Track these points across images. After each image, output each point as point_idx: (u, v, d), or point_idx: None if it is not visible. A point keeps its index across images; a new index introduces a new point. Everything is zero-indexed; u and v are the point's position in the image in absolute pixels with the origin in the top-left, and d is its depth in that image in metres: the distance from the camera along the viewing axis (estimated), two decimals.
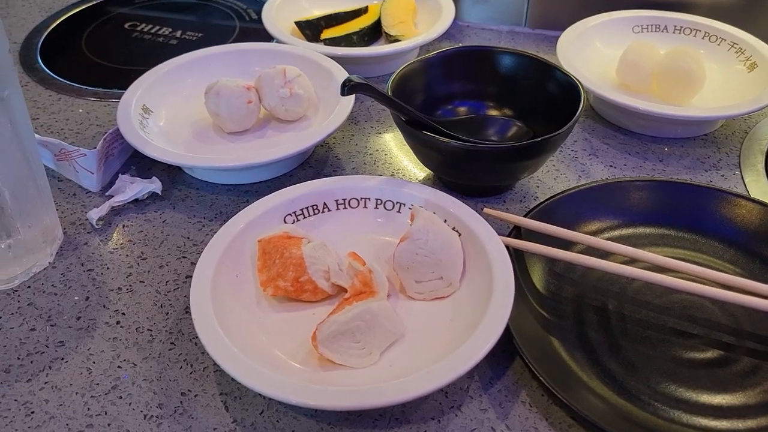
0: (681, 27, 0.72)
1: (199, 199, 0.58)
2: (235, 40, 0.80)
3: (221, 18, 0.84)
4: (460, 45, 0.58)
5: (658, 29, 0.72)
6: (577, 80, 0.56)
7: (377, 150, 0.63)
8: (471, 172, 0.53)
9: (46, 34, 0.81)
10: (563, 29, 0.77)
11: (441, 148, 0.51)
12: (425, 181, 0.59)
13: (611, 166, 0.61)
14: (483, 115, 0.60)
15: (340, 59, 0.67)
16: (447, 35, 0.79)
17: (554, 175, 0.60)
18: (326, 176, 0.58)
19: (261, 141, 0.62)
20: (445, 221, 0.48)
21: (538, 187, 0.59)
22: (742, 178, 0.59)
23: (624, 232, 0.52)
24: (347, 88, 0.47)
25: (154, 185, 0.57)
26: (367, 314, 0.42)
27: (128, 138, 0.57)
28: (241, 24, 0.83)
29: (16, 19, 0.85)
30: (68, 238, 0.54)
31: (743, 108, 0.59)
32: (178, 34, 0.81)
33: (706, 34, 0.71)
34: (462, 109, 0.61)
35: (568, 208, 0.52)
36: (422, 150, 0.54)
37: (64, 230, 0.54)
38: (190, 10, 0.87)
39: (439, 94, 0.60)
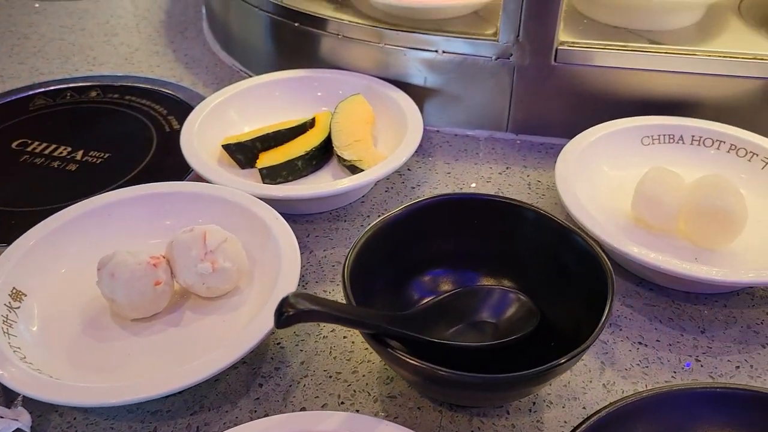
0: (700, 138, 0.59)
1: (89, 430, 0.41)
2: (152, 160, 0.64)
3: (135, 129, 0.68)
4: (435, 195, 0.44)
5: (672, 140, 0.59)
6: (601, 255, 0.41)
7: (334, 332, 0.47)
8: (460, 399, 0.38)
9: None
10: (551, 135, 0.64)
11: (417, 372, 0.36)
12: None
13: (640, 343, 0.47)
14: (474, 288, 0.45)
15: (280, 203, 0.52)
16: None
17: None
18: (265, 378, 0.43)
19: (174, 331, 0.46)
20: None
21: (550, 384, 0.44)
22: None
23: None
24: (284, 318, 0.32)
25: (21, 420, 0.40)
26: None
27: None
28: (159, 137, 0.67)
29: None
30: None
31: None
32: (79, 155, 0.65)
33: (732, 147, 0.58)
34: (445, 280, 0.46)
35: None
36: (395, 369, 0.39)
37: None
38: (96, 119, 0.70)
39: (415, 261, 0.45)
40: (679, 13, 0.68)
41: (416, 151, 0.64)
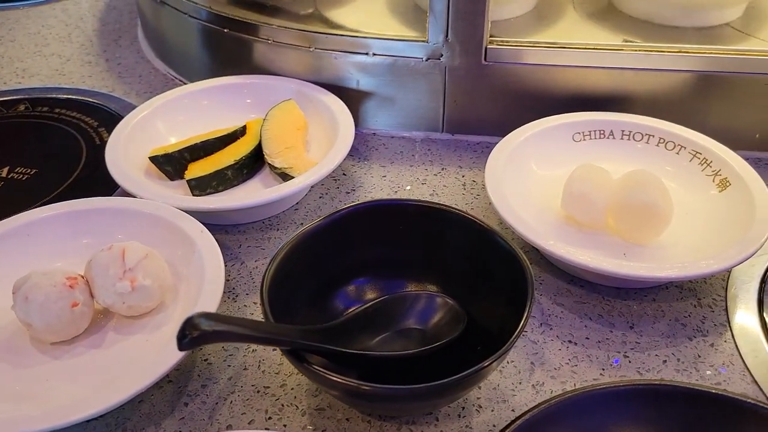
0: (630, 132, 0.59)
1: None
2: (81, 175, 0.62)
3: (64, 143, 0.66)
4: (357, 203, 0.42)
5: (602, 135, 0.59)
6: (521, 256, 0.41)
7: (266, 350, 0.46)
8: (387, 410, 0.38)
9: None
10: (487, 134, 0.64)
11: (336, 387, 0.36)
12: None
13: (570, 341, 0.47)
14: (400, 294, 0.45)
15: (210, 214, 0.51)
16: (350, 149, 0.64)
17: (499, 364, 0.45)
18: (191, 397, 0.42)
19: (96, 353, 0.44)
20: None
21: (479, 388, 0.44)
22: (737, 348, 0.46)
23: None
24: (186, 340, 0.31)
25: None
26: None
27: None
28: (89, 151, 0.65)
29: None
30: None
31: (727, 261, 0.45)
32: (5, 172, 0.63)
33: (662, 140, 0.58)
34: (371, 289, 0.45)
35: None
36: (317, 384, 0.38)
37: None
38: (24, 134, 0.68)
39: (339, 272, 0.45)
40: None
41: (352, 155, 0.64)
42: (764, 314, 0.48)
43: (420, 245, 0.45)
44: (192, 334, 0.31)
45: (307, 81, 0.65)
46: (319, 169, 0.54)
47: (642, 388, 0.39)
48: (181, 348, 0.31)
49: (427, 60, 0.62)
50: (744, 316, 0.48)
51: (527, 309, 0.38)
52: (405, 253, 0.45)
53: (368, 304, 0.43)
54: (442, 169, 0.62)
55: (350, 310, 0.43)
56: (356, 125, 0.66)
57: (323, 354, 0.39)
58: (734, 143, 0.60)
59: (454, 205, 0.45)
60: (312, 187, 0.60)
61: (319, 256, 0.43)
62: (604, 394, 0.39)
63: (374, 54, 0.63)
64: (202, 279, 0.45)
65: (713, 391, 0.38)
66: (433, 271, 0.45)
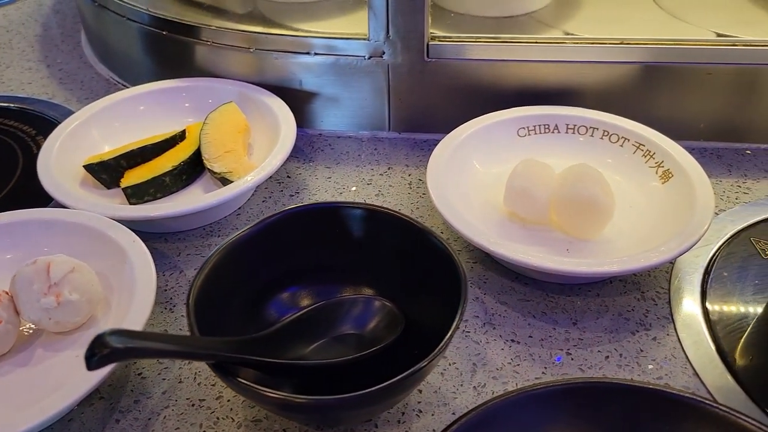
0: (575, 126, 0.58)
1: None
2: (16, 186, 0.60)
3: None
4: (288, 208, 0.41)
5: (547, 130, 0.59)
6: (454, 255, 0.40)
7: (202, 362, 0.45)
8: (322, 420, 0.37)
9: None
10: (433, 131, 0.63)
11: (265, 400, 0.34)
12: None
13: (513, 340, 0.46)
14: (336, 300, 0.44)
15: (148, 223, 0.49)
16: (295, 151, 0.63)
17: (440, 367, 0.44)
18: (123, 413, 0.41)
19: (23, 371, 0.43)
20: None
21: (420, 391, 0.43)
22: (679, 341, 0.45)
23: None
24: (95, 359, 0.29)
25: None
26: None
27: None
28: (25, 161, 0.63)
29: None
30: None
31: (667, 253, 0.45)
32: None
33: (606, 133, 0.58)
34: (306, 295, 0.44)
35: None
36: (245, 398, 0.37)
37: None
38: None
39: (272, 279, 0.43)
40: None
41: (297, 157, 0.63)
42: (707, 305, 0.47)
43: (356, 248, 0.44)
44: (101, 352, 0.29)
45: (249, 83, 0.63)
46: (258, 173, 0.53)
47: (580, 386, 0.39)
48: (89, 367, 0.29)
49: (369, 58, 0.61)
50: (687, 308, 0.47)
51: (459, 310, 0.37)
52: (341, 257, 0.44)
53: (302, 312, 0.42)
54: (389, 168, 0.61)
55: (283, 319, 0.41)
56: (301, 126, 0.65)
57: (254, 366, 0.38)
58: (680, 133, 0.61)
59: (386, 206, 0.44)
60: (255, 190, 0.59)
61: (251, 264, 0.42)
62: (542, 395, 0.38)
63: (316, 53, 0.61)
64: (133, 291, 0.44)
65: (650, 386, 0.38)
66: (371, 274, 0.44)
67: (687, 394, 0.37)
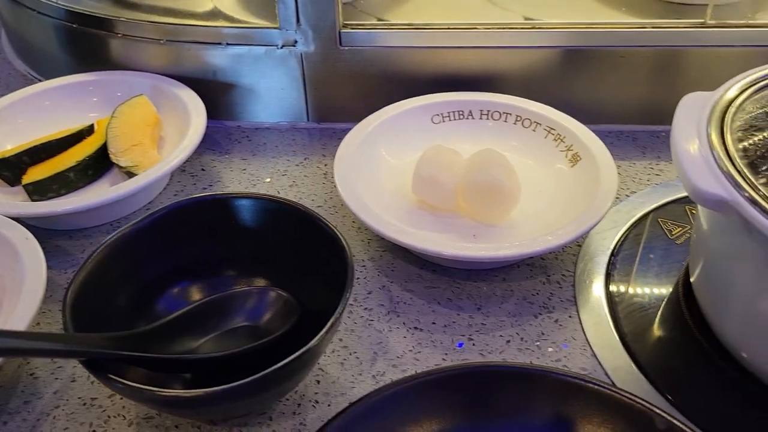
0: (488, 111, 0.58)
1: None
2: None
3: None
4: (175, 202, 0.42)
5: (461, 116, 0.59)
6: (342, 241, 0.40)
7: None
8: (207, 415, 0.36)
9: None
10: (352, 120, 0.62)
11: (138, 396, 0.34)
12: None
13: (416, 328, 0.46)
14: (228, 293, 0.43)
15: (50, 220, 0.48)
16: (211, 144, 0.62)
17: (341, 357, 0.44)
18: (11, 415, 0.40)
19: None
20: None
21: (318, 382, 0.42)
22: (581, 323, 0.45)
23: None
24: None
25: None
26: None
27: None
28: None
29: None
30: None
31: (564, 236, 0.45)
32: None
33: (519, 118, 0.58)
34: (197, 289, 0.43)
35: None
36: (120, 395, 0.36)
37: None
38: None
39: (162, 274, 0.42)
40: None
41: (213, 149, 0.62)
42: (610, 287, 0.47)
43: (249, 239, 0.43)
44: None
45: (164, 75, 0.62)
46: (163, 166, 0.52)
47: (469, 371, 0.38)
48: None
49: (282, 47, 0.60)
50: (590, 291, 0.47)
51: (344, 295, 0.37)
52: (234, 249, 0.43)
53: (192, 306, 0.41)
54: (305, 159, 0.61)
55: (172, 314, 0.41)
56: (220, 118, 0.64)
57: (136, 362, 0.37)
58: (599, 117, 0.61)
59: (297, 197, 0.44)
60: (168, 184, 0.58)
61: (138, 260, 0.41)
62: (429, 381, 0.38)
63: (228, 44, 0.60)
64: (21, 289, 0.42)
65: (541, 368, 0.38)
66: (264, 264, 0.43)
67: (573, 375, 0.37)
